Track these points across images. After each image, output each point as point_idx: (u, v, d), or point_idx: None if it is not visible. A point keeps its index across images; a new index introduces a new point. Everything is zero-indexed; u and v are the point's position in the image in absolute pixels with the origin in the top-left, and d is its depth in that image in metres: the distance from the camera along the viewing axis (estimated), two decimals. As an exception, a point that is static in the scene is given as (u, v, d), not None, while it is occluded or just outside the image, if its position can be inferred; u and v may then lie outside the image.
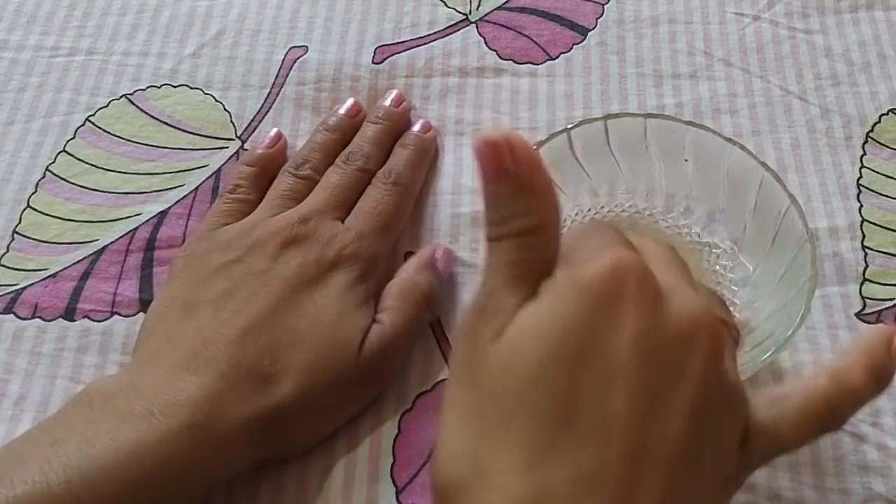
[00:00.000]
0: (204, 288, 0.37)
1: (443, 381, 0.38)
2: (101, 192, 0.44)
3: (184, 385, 0.33)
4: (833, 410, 0.30)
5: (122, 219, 0.43)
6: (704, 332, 0.27)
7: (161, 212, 0.43)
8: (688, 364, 0.26)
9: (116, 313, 0.40)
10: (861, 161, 0.45)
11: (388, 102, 0.45)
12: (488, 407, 0.26)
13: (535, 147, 0.38)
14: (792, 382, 0.31)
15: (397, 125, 0.45)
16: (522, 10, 0.51)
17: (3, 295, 0.41)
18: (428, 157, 0.44)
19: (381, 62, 0.48)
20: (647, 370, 0.26)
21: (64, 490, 0.30)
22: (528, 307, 0.26)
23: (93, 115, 0.46)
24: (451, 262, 0.41)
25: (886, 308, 0.40)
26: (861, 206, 0.43)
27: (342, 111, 0.45)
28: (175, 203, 0.44)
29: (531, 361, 0.26)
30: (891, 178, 0.44)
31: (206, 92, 0.47)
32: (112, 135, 0.46)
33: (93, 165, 0.45)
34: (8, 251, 0.42)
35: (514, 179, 0.26)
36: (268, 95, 0.47)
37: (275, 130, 0.45)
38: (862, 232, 0.42)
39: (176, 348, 0.35)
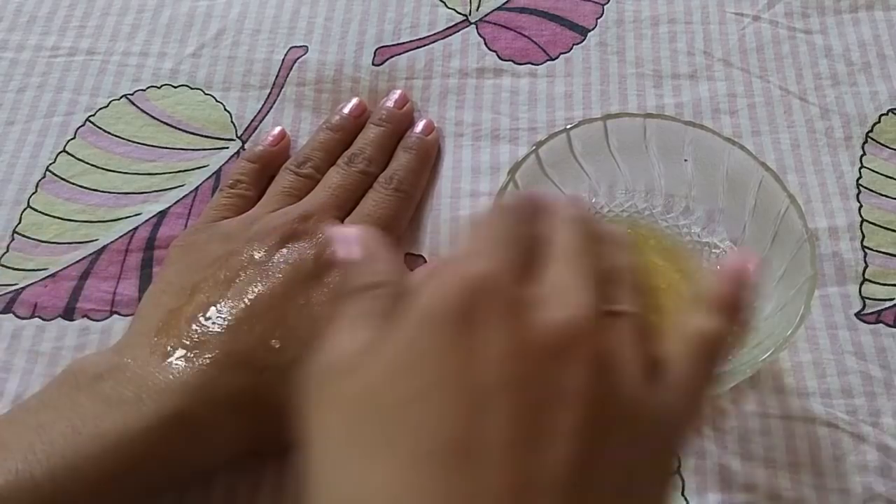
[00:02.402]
0: (201, 275, 0.37)
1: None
2: (101, 192, 0.44)
3: (174, 370, 0.33)
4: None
5: (121, 219, 0.43)
6: (583, 343, 0.23)
7: (161, 212, 0.43)
8: (565, 380, 0.23)
9: (116, 313, 0.40)
10: (861, 161, 0.45)
11: (391, 103, 0.45)
12: (345, 440, 0.24)
13: (534, 147, 0.38)
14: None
15: (400, 127, 0.45)
16: (522, 10, 0.51)
17: (3, 295, 0.41)
18: (430, 161, 0.44)
19: (381, 63, 0.48)
20: (518, 393, 0.23)
21: (48, 480, 0.30)
22: (376, 345, 0.25)
23: (93, 115, 0.46)
24: None
25: (886, 308, 0.40)
26: (861, 206, 0.43)
27: (346, 111, 0.45)
28: (175, 203, 0.44)
29: (384, 393, 0.23)
30: (890, 178, 0.44)
31: (206, 92, 0.47)
32: (112, 135, 0.46)
33: (93, 165, 0.45)
34: (8, 251, 0.42)
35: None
36: (268, 96, 0.47)
37: (279, 128, 0.45)
38: (862, 232, 0.42)
39: (168, 333, 0.35)
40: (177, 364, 0.33)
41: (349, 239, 0.29)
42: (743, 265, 0.28)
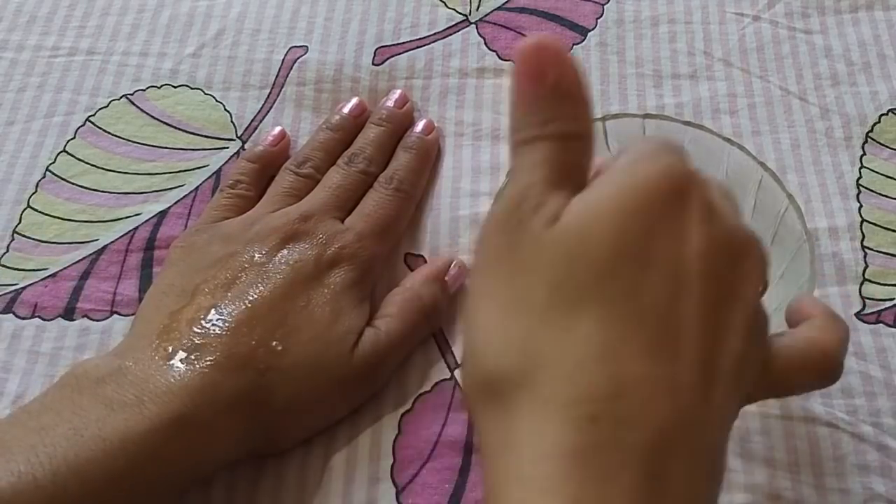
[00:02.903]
0: (202, 277, 0.37)
1: (442, 381, 0.39)
2: (101, 192, 0.44)
3: (175, 373, 0.33)
4: (827, 356, 0.30)
5: (122, 219, 0.43)
6: (755, 256, 0.27)
7: (161, 212, 0.43)
8: (744, 284, 0.26)
9: (116, 313, 0.40)
10: (861, 161, 0.45)
11: (391, 103, 0.45)
12: (545, 296, 0.25)
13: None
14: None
15: (400, 127, 0.45)
16: (522, 10, 0.51)
17: (3, 295, 0.41)
18: (430, 160, 0.44)
19: (381, 63, 0.48)
20: (714, 283, 0.25)
21: (50, 482, 0.30)
22: (584, 196, 0.26)
23: (93, 115, 0.46)
24: (461, 279, 0.41)
25: (886, 308, 0.40)
26: (861, 206, 0.43)
27: (346, 110, 0.45)
28: (175, 203, 0.44)
29: (602, 247, 0.25)
30: (890, 178, 0.44)
31: (206, 92, 0.47)
32: (112, 135, 0.46)
33: (93, 165, 0.45)
34: (8, 251, 0.42)
35: (562, 81, 0.26)
36: (268, 96, 0.47)
37: (279, 128, 0.45)
38: (862, 232, 0.42)
39: (170, 335, 0.35)
40: (178, 367, 0.33)
41: (544, 61, 0.26)
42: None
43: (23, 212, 0.43)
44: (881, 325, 0.40)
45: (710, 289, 0.25)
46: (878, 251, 0.42)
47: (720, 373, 0.25)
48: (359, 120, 0.45)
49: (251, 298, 0.36)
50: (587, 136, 0.27)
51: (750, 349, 0.26)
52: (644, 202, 0.25)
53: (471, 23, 0.50)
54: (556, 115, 0.27)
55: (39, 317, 0.40)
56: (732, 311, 0.26)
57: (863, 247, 0.42)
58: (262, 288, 0.36)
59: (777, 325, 0.35)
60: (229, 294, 0.36)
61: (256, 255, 0.38)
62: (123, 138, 0.46)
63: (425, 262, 0.42)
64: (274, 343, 0.35)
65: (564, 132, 0.27)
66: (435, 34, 0.49)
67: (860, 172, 0.44)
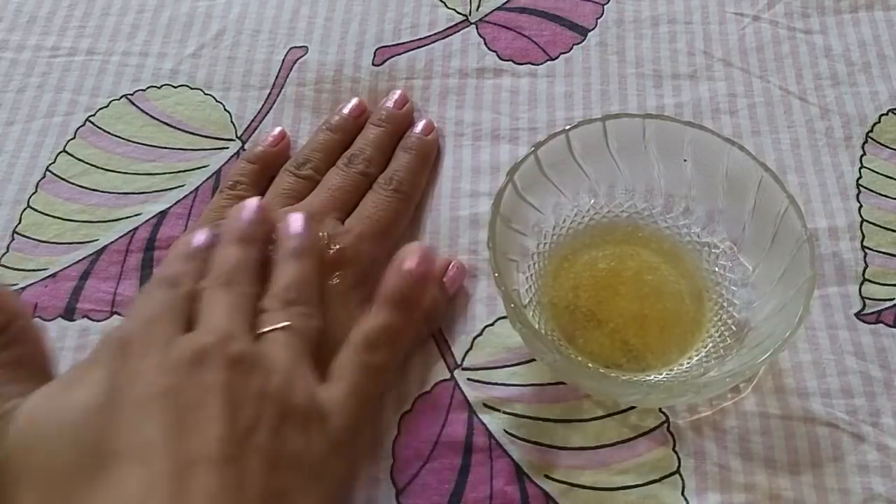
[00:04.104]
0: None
1: (442, 382, 0.39)
2: (101, 192, 0.44)
3: None
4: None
5: (122, 219, 0.43)
6: (220, 351, 0.30)
7: (161, 212, 0.43)
8: (206, 378, 0.30)
9: (116, 313, 0.40)
10: (861, 161, 0.45)
11: (391, 104, 0.45)
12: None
13: (533, 148, 0.38)
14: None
15: (400, 128, 0.45)
16: (522, 10, 0.51)
17: (3, 295, 0.41)
18: (429, 161, 0.44)
19: (381, 64, 0.48)
20: (167, 398, 0.29)
21: None
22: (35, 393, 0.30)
23: (93, 115, 0.46)
24: (460, 279, 0.41)
25: (886, 308, 0.40)
26: (861, 206, 0.43)
27: (346, 111, 0.45)
28: (175, 203, 0.44)
29: (52, 435, 0.29)
30: (890, 178, 0.44)
31: (206, 92, 0.47)
32: (112, 135, 0.46)
33: (93, 165, 0.45)
34: (8, 251, 0.42)
35: None
36: (268, 96, 0.47)
37: (279, 129, 0.45)
38: (861, 232, 0.42)
39: None
40: None
41: None
42: (407, 259, 0.37)
43: (23, 212, 0.43)
44: (881, 325, 0.40)
45: (166, 402, 0.29)
46: (878, 251, 0.42)
47: (202, 463, 0.28)
48: (359, 121, 0.45)
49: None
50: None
51: (240, 426, 0.29)
52: (94, 362, 0.31)
53: (471, 23, 0.50)
54: None
55: (39, 317, 0.40)
56: (204, 403, 0.29)
57: (863, 247, 0.42)
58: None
59: (776, 325, 0.35)
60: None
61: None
62: (123, 138, 0.46)
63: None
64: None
65: None
66: (435, 34, 0.49)
67: (860, 172, 0.44)
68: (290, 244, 0.37)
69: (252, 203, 0.38)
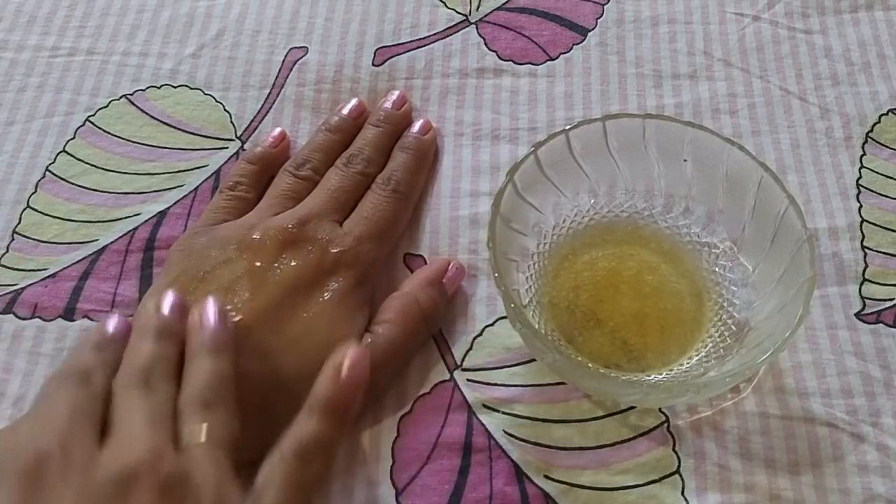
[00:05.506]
0: (200, 283, 0.37)
1: (442, 383, 0.39)
2: (101, 192, 0.44)
3: None
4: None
5: (121, 219, 0.43)
6: (146, 474, 0.28)
7: (161, 212, 0.43)
8: (134, 497, 0.28)
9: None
10: (861, 161, 0.45)
11: (389, 104, 0.45)
12: None
13: (532, 148, 0.38)
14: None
15: (398, 128, 0.45)
16: (522, 10, 0.51)
17: (3, 295, 0.41)
18: (427, 160, 0.44)
19: (381, 64, 0.48)
20: None
21: None
22: None
23: (93, 115, 0.46)
24: (459, 279, 0.41)
25: (886, 308, 0.40)
26: (861, 206, 0.43)
27: (345, 112, 0.45)
28: (175, 203, 0.44)
29: None
30: (890, 178, 0.44)
31: (206, 92, 0.47)
32: (112, 135, 0.46)
33: (93, 165, 0.45)
34: (8, 251, 0.42)
35: None
36: (268, 96, 0.47)
37: (279, 129, 0.45)
38: (861, 232, 0.42)
39: None
40: None
41: None
42: (344, 360, 0.33)
43: (23, 212, 0.43)
44: (881, 325, 0.40)
45: None
46: (878, 251, 0.42)
47: None
48: (358, 121, 0.45)
49: (250, 306, 0.36)
50: None
51: None
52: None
53: (471, 23, 0.50)
54: None
55: (39, 317, 0.40)
56: None
57: (863, 247, 0.42)
58: (261, 295, 0.36)
59: (776, 325, 0.35)
60: (227, 302, 0.36)
61: (256, 261, 0.37)
62: (123, 138, 0.46)
63: (425, 262, 0.42)
64: (271, 352, 0.35)
65: None
66: (435, 34, 0.49)
67: (860, 172, 0.44)
68: (203, 338, 0.34)
69: (169, 296, 0.35)
